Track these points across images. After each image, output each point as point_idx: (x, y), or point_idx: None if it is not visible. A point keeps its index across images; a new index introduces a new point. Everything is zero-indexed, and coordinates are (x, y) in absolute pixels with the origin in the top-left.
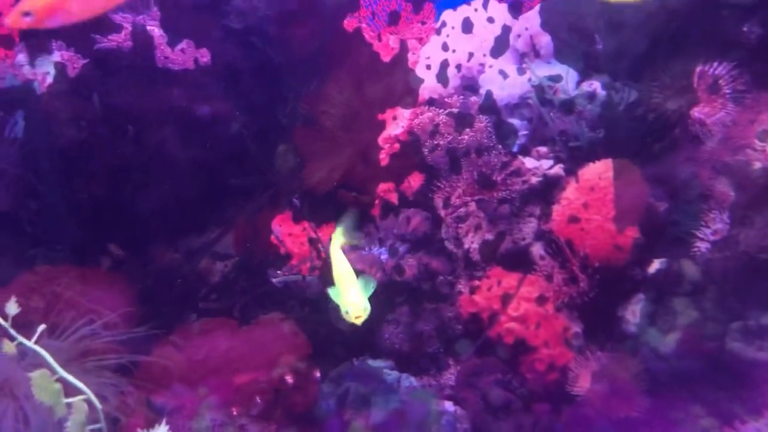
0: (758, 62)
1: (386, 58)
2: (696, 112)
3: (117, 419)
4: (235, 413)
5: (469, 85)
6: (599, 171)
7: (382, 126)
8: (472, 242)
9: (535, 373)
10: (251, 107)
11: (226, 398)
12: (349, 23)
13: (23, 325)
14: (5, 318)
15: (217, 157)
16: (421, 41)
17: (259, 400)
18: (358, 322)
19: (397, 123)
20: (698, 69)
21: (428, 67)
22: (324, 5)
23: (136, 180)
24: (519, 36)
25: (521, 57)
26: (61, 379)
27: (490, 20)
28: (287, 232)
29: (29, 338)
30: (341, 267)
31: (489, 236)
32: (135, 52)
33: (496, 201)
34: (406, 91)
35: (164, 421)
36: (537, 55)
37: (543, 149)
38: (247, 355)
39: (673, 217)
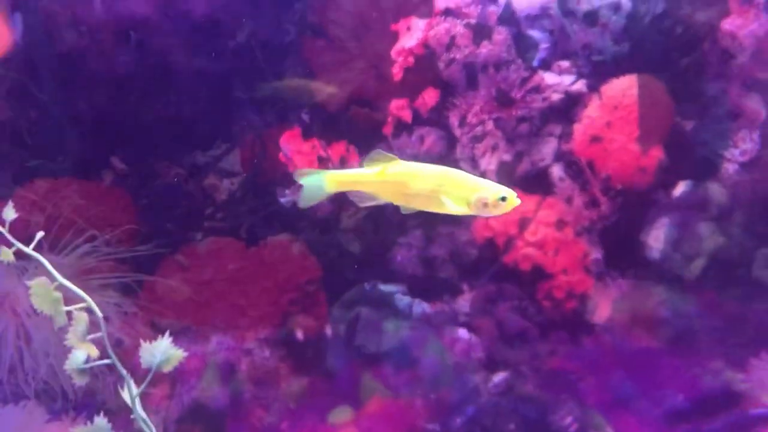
0: None
1: None
2: (727, 24)
3: (121, 340)
4: (241, 337)
5: None
6: (623, 87)
7: (395, 37)
8: (488, 163)
9: (552, 300)
10: (257, 16)
11: (232, 321)
12: None
13: (23, 240)
14: (2, 224)
15: (223, 68)
16: None
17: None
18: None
19: (412, 34)
20: None
21: None
22: None
23: (139, 90)
24: None
25: None
26: (60, 290)
27: None
28: (296, 149)
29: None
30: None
31: (506, 157)
32: None
33: (515, 119)
34: (421, 0)
35: (167, 334)
36: None
37: (565, 64)
38: (255, 276)
39: (700, 137)
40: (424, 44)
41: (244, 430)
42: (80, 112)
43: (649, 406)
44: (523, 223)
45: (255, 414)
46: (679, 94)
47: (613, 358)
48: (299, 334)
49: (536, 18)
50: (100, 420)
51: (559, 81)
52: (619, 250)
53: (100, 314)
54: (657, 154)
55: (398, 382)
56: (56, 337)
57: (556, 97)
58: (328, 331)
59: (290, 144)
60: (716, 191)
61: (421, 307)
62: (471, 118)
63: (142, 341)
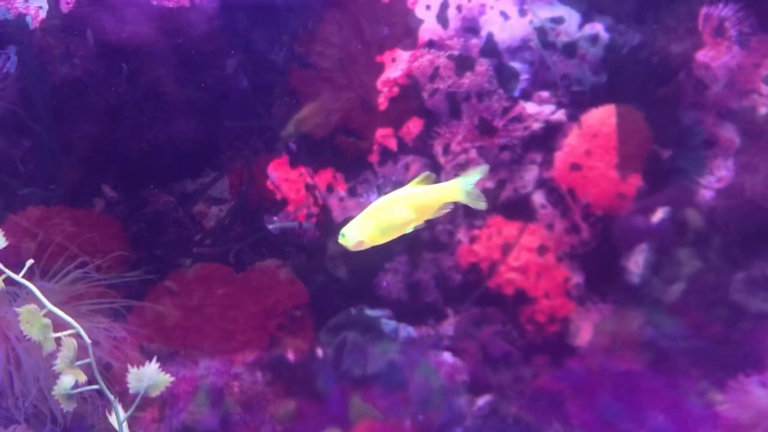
0: (764, 4)
1: None
2: (701, 56)
3: (109, 365)
4: (229, 361)
5: (470, 27)
6: (602, 117)
7: (380, 68)
8: None
9: (535, 324)
10: (247, 47)
11: (220, 346)
12: None
13: (14, 266)
14: None
15: (213, 98)
16: None
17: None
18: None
19: (396, 65)
20: (703, 10)
21: (428, 7)
22: None
23: (131, 120)
24: None
25: None
26: (50, 316)
27: None
28: (283, 177)
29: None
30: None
31: (489, 184)
32: None
33: (497, 147)
34: (405, 32)
35: (155, 359)
36: None
37: (545, 94)
38: (243, 302)
39: (677, 165)
40: (409, 75)
41: None
42: (72, 141)
43: (633, 428)
44: (506, 249)
45: None
46: (656, 123)
47: (595, 380)
48: (288, 358)
49: (517, 50)
50: None
51: (540, 110)
52: (600, 274)
53: (88, 340)
54: (635, 181)
55: (386, 404)
56: (46, 361)
57: (536, 126)
58: (317, 354)
59: (278, 171)
60: (694, 217)
61: (406, 331)
62: (454, 146)
63: (129, 366)
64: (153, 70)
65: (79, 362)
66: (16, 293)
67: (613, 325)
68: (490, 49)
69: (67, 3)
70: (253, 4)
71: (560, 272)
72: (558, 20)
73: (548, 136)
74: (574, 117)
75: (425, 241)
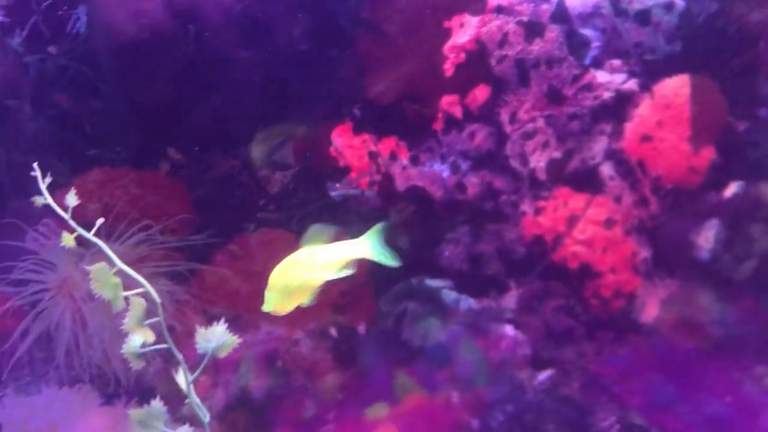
0: None
1: None
2: None
3: (172, 327)
4: (290, 328)
5: None
6: (675, 87)
7: (448, 34)
8: (538, 160)
9: (600, 299)
10: (314, 11)
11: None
12: None
13: (81, 226)
14: (65, 209)
15: (279, 62)
16: None
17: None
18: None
19: (464, 31)
20: None
21: None
22: None
23: (197, 83)
24: None
25: None
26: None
27: None
28: (347, 144)
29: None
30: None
31: (556, 154)
32: None
33: (566, 117)
34: None
35: (222, 320)
36: None
37: (616, 62)
38: None
39: (753, 138)
40: (476, 41)
41: (288, 421)
42: (139, 103)
43: (689, 411)
44: (571, 221)
45: (299, 405)
46: (731, 94)
47: (658, 360)
48: (349, 327)
49: (588, 16)
50: (156, 403)
51: (611, 79)
52: (669, 249)
53: (158, 300)
54: (708, 154)
55: (442, 378)
56: (110, 322)
57: (607, 95)
58: (375, 325)
59: (341, 138)
60: None
61: (467, 303)
62: (522, 115)
63: (197, 327)
64: (219, 32)
65: (147, 321)
66: (81, 254)
67: (680, 303)
68: (560, 15)
69: None
70: None
71: (627, 246)
72: None
73: (619, 106)
74: (646, 87)
75: (488, 212)
